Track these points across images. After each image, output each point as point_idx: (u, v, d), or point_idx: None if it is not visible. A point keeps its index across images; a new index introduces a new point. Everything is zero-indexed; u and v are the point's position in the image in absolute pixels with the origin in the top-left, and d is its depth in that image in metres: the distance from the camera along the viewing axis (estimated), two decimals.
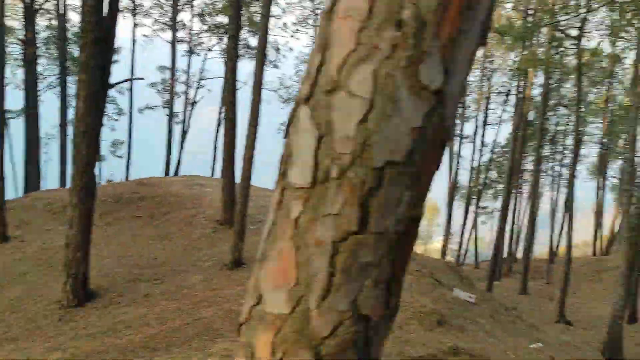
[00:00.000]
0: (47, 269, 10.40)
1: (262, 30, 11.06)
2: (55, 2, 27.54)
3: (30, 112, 27.42)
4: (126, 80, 24.55)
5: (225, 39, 27.62)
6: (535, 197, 27.03)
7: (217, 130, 29.51)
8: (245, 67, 30.73)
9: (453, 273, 13.42)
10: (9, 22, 28.87)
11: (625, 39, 35.89)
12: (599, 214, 41.86)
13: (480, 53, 36.79)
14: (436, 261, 14.81)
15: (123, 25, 30.90)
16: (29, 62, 27.75)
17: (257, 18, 27.20)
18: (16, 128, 27.60)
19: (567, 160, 41.68)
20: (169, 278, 9.86)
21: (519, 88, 27.54)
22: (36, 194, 15.28)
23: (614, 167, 46.18)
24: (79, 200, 8.81)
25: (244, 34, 27.85)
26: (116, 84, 9.42)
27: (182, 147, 30.03)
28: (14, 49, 28.63)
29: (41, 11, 27.96)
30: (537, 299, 26.96)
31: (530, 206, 26.84)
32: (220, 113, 29.22)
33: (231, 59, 12.68)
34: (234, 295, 9.07)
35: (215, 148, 29.75)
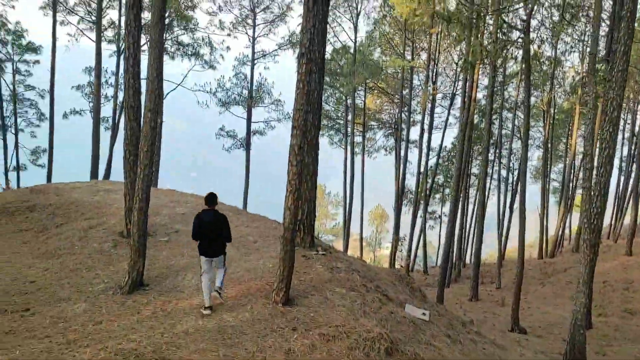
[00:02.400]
0: None
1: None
2: None
3: None
4: None
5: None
6: (483, 199, 25.76)
7: None
8: (179, 67, 28.33)
9: (403, 284, 11.56)
10: None
11: (565, 41, 35.61)
12: (543, 215, 41.30)
13: (424, 55, 35.73)
14: (383, 271, 12.92)
15: (43, 23, 27.94)
16: None
17: (190, 12, 24.86)
18: None
19: (512, 164, 41.28)
20: (44, 308, 7.48)
21: (465, 90, 26.29)
22: None
23: (556, 170, 46.17)
24: None
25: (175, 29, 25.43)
26: None
27: (111, 153, 27.19)
28: None
29: None
30: (489, 304, 25.60)
31: (480, 209, 25.51)
32: None
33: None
34: (125, 328, 6.83)
35: None
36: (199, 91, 28.46)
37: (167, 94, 27.45)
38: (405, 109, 35.12)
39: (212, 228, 7.63)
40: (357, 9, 30.52)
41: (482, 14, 14.66)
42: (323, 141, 40.45)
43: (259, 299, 7.99)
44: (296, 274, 8.56)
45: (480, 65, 23.98)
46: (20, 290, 8.04)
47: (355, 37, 31.39)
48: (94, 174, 25.72)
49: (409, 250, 37.97)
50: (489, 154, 35.38)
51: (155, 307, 7.53)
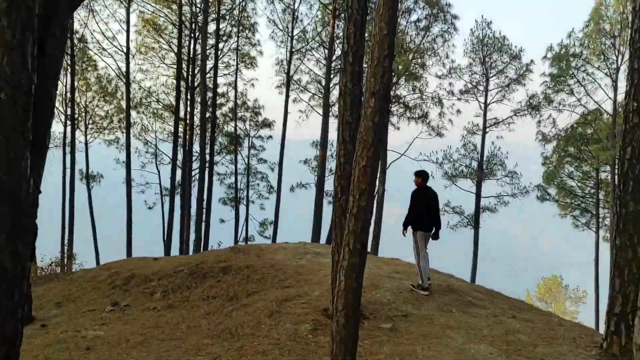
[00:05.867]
0: None
1: None
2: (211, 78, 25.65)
3: (186, 189, 25.28)
4: None
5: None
6: None
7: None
8: (402, 134, 25.74)
9: None
10: (168, 100, 27.95)
11: None
12: None
13: None
14: None
15: (277, 101, 28.28)
16: (188, 141, 25.98)
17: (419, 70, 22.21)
18: None
19: None
20: None
21: None
22: (113, 263, 11.15)
23: None
24: None
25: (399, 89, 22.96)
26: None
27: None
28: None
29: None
30: None
31: None
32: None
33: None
34: None
35: None
36: (423, 161, 25.28)
37: (390, 164, 24.84)
38: None
39: (431, 202, 7.99)
40: (616, 62, 24.59)
41: None
42: (565, 222, 33.60)
43: None
44: None
45: None
46: None
47: (615, 96, 25.15)
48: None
49: None
50: None
51: None
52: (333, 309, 4.59)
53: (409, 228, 7.97)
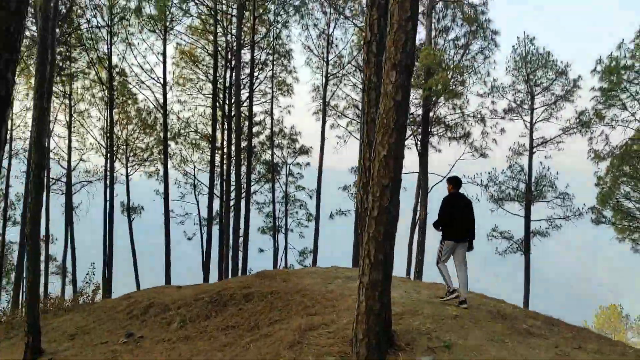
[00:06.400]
0: None
1: None
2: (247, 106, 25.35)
3: (224, 218, 24.82)
4: None
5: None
6: None
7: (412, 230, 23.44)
8: (444, 156, 24.59)
9: None
10: (206, 130, 27.81)
11: None
12: None
13: None
14: None
15: (314, 127, 27.73)
16: (226, 171, 25.66)
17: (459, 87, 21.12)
18: None
19: None
20: None
21: None
22: (135, 292, 10.49)
23: None
24: None
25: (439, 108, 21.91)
26: None
27: None
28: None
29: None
30: None
31: None
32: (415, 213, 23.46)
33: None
34: None
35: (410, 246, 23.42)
36: (467, 183, 23.93)
37: (432, 187, 23.66)
38: None
39: (466, 210, 7.47)
40: None
41: None
42: (622, 247, 31.16)
43: None
44: None
45: None
46: None
47: None
48: None
49: None
50: None
51: None
52: (353, 337, 3.65)
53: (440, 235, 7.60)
